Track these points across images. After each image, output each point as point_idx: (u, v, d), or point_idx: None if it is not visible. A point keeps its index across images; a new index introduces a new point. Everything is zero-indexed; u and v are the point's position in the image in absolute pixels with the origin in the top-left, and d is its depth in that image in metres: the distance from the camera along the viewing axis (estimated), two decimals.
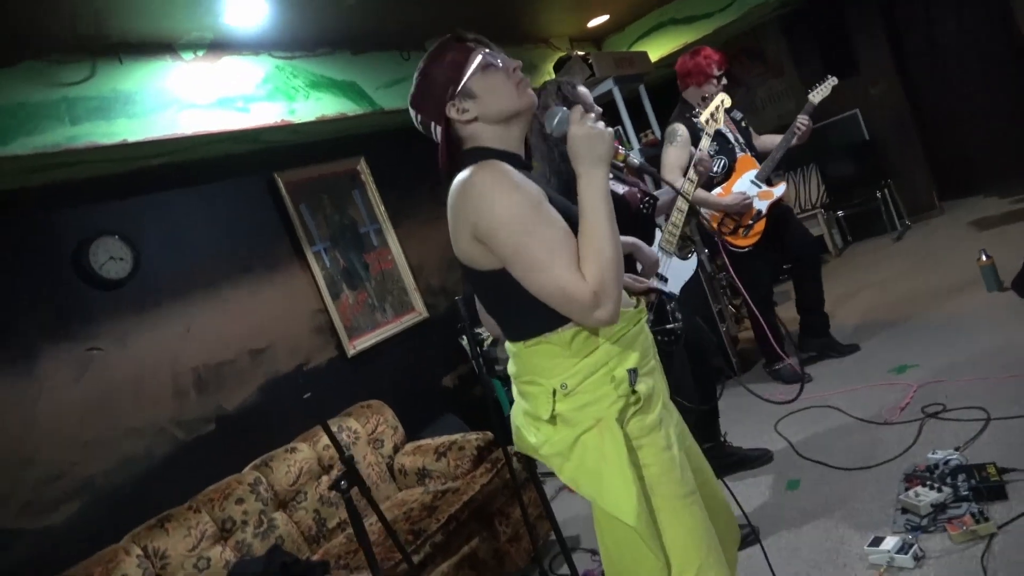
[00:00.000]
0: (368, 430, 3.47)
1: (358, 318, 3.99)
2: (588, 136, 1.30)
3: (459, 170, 1.38)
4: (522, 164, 1.43)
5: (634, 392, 1.33)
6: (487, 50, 1.43)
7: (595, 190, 1.28)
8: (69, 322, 2.83)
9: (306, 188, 3.92)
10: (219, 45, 3.09)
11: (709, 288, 4.62)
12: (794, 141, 3.74)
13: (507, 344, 1.45)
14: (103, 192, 3.03)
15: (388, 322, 4.16)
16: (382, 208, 4.31)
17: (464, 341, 4.33)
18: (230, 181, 3.54)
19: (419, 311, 4.34)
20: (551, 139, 2.79)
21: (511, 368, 1.46)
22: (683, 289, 3.00)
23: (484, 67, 1.39)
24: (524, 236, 1.23)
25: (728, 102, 3.26)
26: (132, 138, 2.71)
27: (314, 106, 3.46)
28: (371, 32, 3.76)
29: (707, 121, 3.19)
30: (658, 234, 2.89)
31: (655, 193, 3.02)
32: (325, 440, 3.27)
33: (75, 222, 2.92)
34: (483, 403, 4.32)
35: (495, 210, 1.24)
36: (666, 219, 2.98)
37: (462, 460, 3.19)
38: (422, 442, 3.47)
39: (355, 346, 3.89)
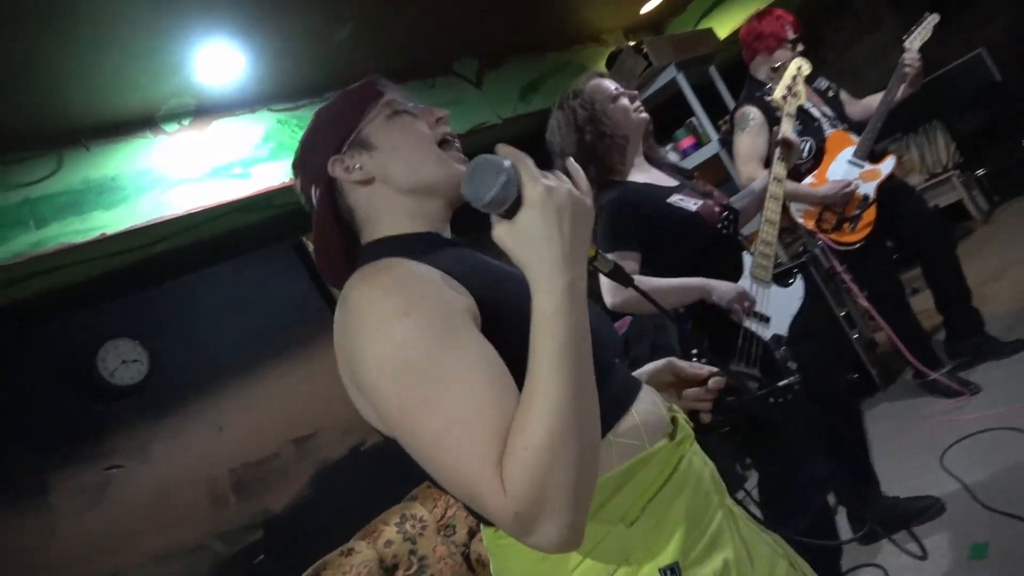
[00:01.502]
0: (436, 516, 3.00)
1: None
2: (550, 206, 0.69)
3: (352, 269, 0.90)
4: (452, 243, 0.92)
5: None
6: (403, 96, 0.96)
7: (557, 315, 0.68)
8: (81, 442, 2.56)
9: None
10: (206, 109, 2.78)
11: (828, 288, 3.85)
12: (900, 92, 2.96)
13: (482, 528, 0.91)
14: (104, 292, 2.77)
15: None
16: None
17: None
18: (250, 255, 3.22)
19: None
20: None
21: (493, 568, 0.91)
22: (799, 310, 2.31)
23: (393, 112, 0.93)
24: (411, 395, 0.68)
25: (807, 68, 2.56)
26: (112, 230, 2.41)
27: None
28: (387, 63, 3.36)
29: (784, 98, 2.51)
30: (746, 259, 2.21)
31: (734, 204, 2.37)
32: (387, 535, 2.83)
33: (77, 330, 2.67)
34: None
35: (368, 350, 0.71)
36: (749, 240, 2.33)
37: None
38: None
39: None
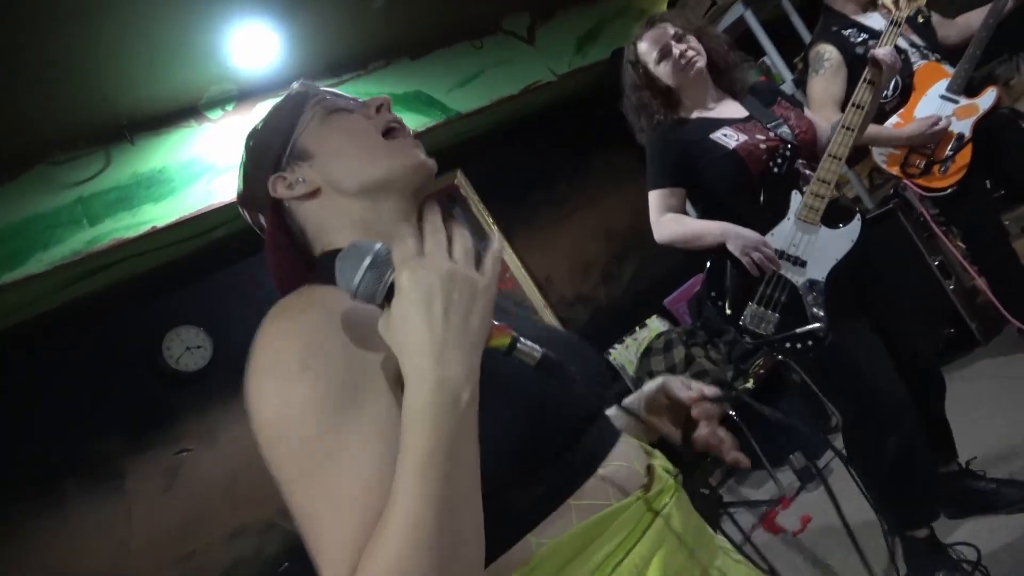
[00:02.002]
0: None
1: None
2: (416, 291, 0.58)
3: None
4: None
5: None
6: (334, 94, 0.86)
7: (422, 419, 0.57)
8: (152, 428, 2.66)
9: None
10: (249, 93, 2.75)
11: (920, 236, 3.52)
12: (1009, 6, 2.57)
13: None
14: (164, 281, 2.83)
15: None
16: (491, 221, 3.79)
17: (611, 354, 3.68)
18: None
19: None
20: None
21: None
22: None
23: (327, 112, 0.83)
24: (292, 463, 0.61)
25: None
26: (162, 223, 2.45)
27: None
28: (428, 26, 3.24)
29: (895, 3, 2.16)
30: (795, 199, 1.99)
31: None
32: None
33: (140, 320, 2.75)
34: None
35: (260, 401, 0.64)
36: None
37: None
38: None
39: None
